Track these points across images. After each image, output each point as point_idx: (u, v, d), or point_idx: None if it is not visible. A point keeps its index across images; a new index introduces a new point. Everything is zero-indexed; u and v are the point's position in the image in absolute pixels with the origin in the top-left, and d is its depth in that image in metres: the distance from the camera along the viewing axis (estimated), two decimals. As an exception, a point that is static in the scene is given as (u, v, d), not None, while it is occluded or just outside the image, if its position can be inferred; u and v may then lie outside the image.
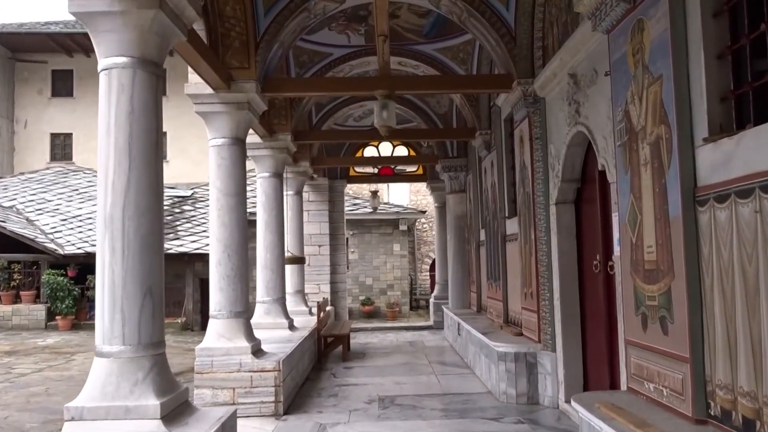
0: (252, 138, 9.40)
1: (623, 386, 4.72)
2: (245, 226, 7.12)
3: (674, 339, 3.77)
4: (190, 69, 6.43)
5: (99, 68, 4.05)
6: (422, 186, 27.80)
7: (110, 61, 3.99)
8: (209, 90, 6.86)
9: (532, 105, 7.09)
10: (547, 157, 6.94)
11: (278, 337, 8.65)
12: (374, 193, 15.71)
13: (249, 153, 9.55)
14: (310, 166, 12.42)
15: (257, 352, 6.99)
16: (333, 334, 10.55)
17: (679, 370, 3.68)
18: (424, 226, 27.63)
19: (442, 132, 11.21)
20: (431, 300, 15.77)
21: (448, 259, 13.03)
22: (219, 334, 6.79)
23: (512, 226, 8.75)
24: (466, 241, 12.60)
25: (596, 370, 6.26)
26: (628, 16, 4.25)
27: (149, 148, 4.02)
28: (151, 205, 4.02)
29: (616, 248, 4.93)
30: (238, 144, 7.08)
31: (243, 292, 6.99)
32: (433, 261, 27.69)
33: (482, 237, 11.15)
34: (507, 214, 9.07)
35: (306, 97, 9.55)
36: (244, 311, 6.98)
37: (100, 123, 4.01)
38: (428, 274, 27.41)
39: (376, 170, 16.13)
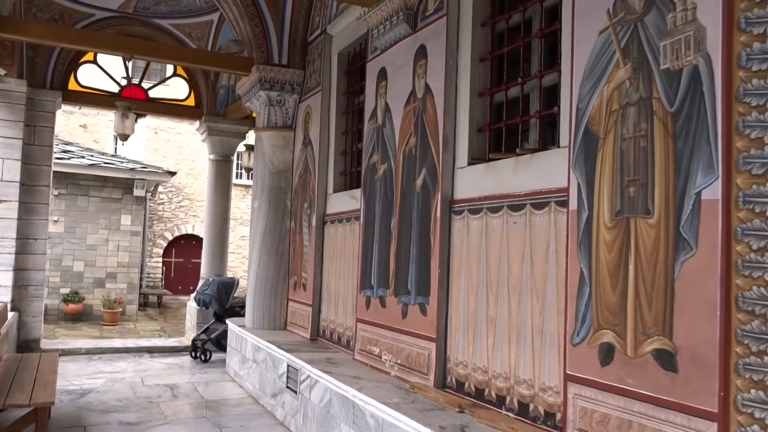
0: None
1: None
2: None
3: None
4: None
5: None
6: (163, 141, 20.98)
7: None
8: None
9: None
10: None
11: None
12: (127, 110, 8.64)
13: None
14: (-10, 33, 5.95)
15: None
16: (11, 405, 4.41)
17: None
18: (161, 196, 20.99)
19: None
20: (192, 304, 10.01)
21: (253, 244, 7.57)
22: None
23: (508, 179, 3.88)
24: (292, 216, 7.33)
25: None
26: None
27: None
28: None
29: None
30: None
31: None
32: (170, 243, 21.19)
33: (354, 206, 6.05)
34: (474, 156, 4.19)
35: None
36: None
37: None
38: (161, 260, 20.81)
39: (118, 88, 9.71)
